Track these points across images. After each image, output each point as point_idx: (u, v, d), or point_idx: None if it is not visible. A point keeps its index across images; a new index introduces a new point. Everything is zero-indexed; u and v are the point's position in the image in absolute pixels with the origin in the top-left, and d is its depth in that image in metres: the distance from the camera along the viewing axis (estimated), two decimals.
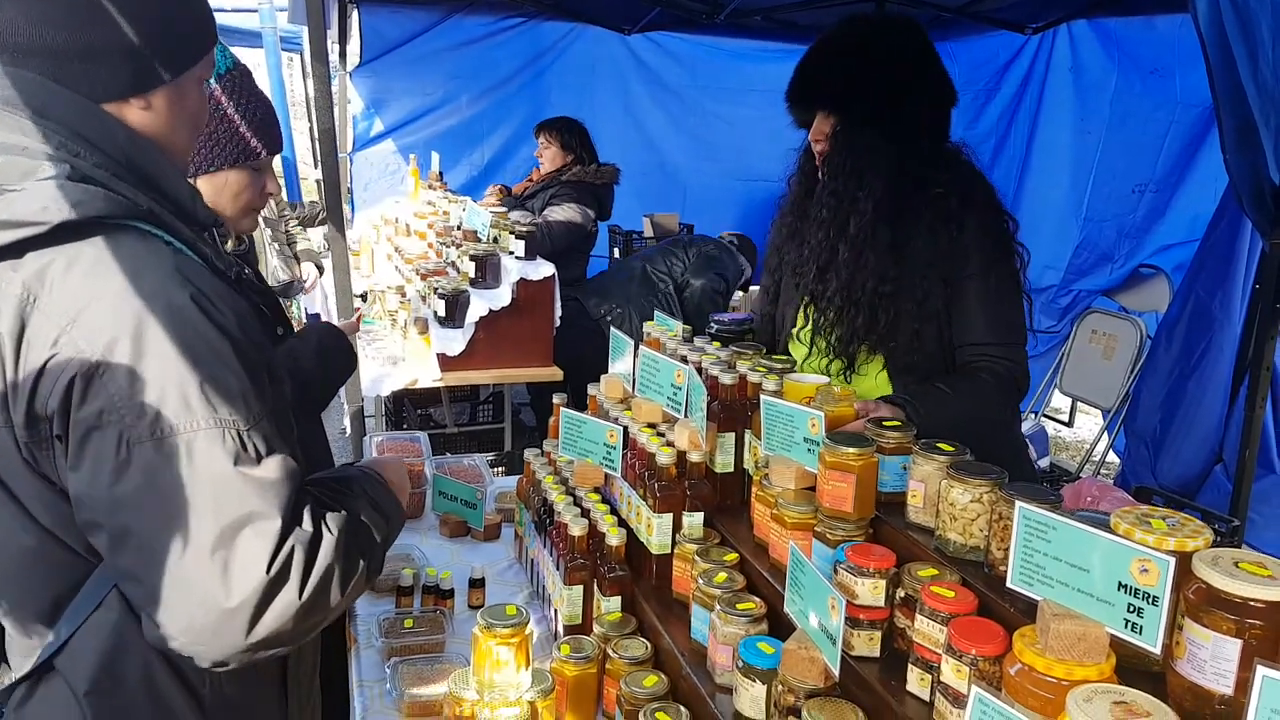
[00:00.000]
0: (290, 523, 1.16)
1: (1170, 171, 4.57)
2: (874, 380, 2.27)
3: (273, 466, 1.18)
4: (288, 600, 1.14)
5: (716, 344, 2.25)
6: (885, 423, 1.68)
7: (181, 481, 1.12)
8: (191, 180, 1.80)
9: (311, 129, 5.48)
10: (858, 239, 2.19)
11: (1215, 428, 3.74)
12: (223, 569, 1.12)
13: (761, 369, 2.00)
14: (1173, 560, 1.08)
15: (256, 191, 2.09)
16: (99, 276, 1.15)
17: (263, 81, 7.47)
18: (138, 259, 1.18)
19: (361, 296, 4.62)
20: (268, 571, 1.13)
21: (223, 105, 2.00)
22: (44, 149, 1.20)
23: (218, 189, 2.03)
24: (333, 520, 1.23)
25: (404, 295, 4.36)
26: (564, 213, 4.83)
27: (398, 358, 4.02)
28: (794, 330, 2.43)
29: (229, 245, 2.19)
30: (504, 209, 4.70)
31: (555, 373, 4.21)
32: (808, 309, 2.34)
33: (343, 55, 6.22)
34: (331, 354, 2.42)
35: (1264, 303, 3.22)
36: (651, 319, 2.46)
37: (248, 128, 2.01)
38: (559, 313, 4.27)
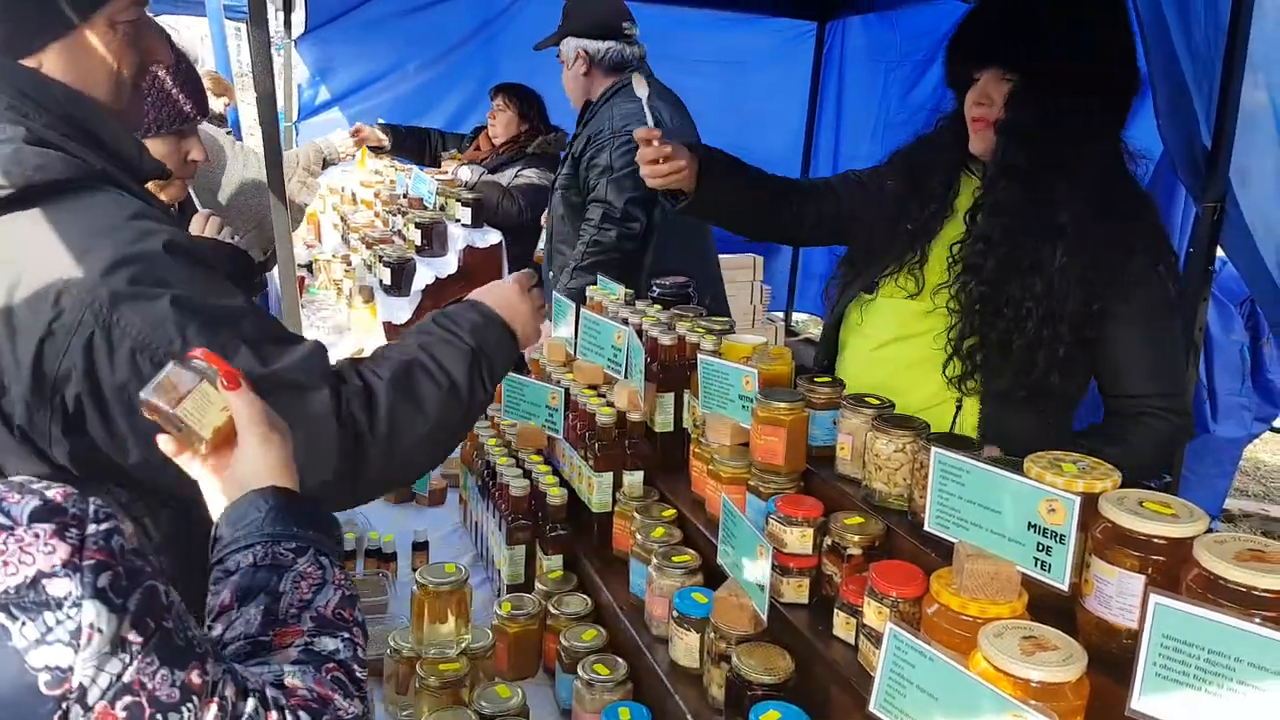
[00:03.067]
0: (334, 381, 1.24)
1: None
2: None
3: (301, 349, 1.24)
4: (365, 446, 1.23)
5: (658, 306, 2.27)
6: (815, 379, 1.71)
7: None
8: None
9: None
10: (1072, 239, 1.79)
11: None
12: (305, 449, 1.14)
13: (700, 330, 2.02)
14: (1078, 499, 1.12)
15: (179, 159, 2.06)
16: (80, 232, 1.15)
17: (207, 52, 7.30)
18: (110, 211, 1.19)
19: (307, 267, 4.57)
20: (339, 426, 1.20)
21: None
22: None
23: None
24: (383, 368, 1.30)
25: (349, 264, 4.32)
26: (526, 177, 4.68)
27: (343, 327, 4.00)
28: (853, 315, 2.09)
29: None
30: (450, 177, 4.65)
31: None
32: (958, 309, 1.89)
33: (288, 23, 6.10)
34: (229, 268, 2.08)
35: (1196, 265, 3.30)
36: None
37: (178, 89, 1.97)
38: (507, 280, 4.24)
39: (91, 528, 0.69)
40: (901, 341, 2.01)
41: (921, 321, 1.98)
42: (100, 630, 0.64)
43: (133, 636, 0.66)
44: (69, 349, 1.13)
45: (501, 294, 1.56)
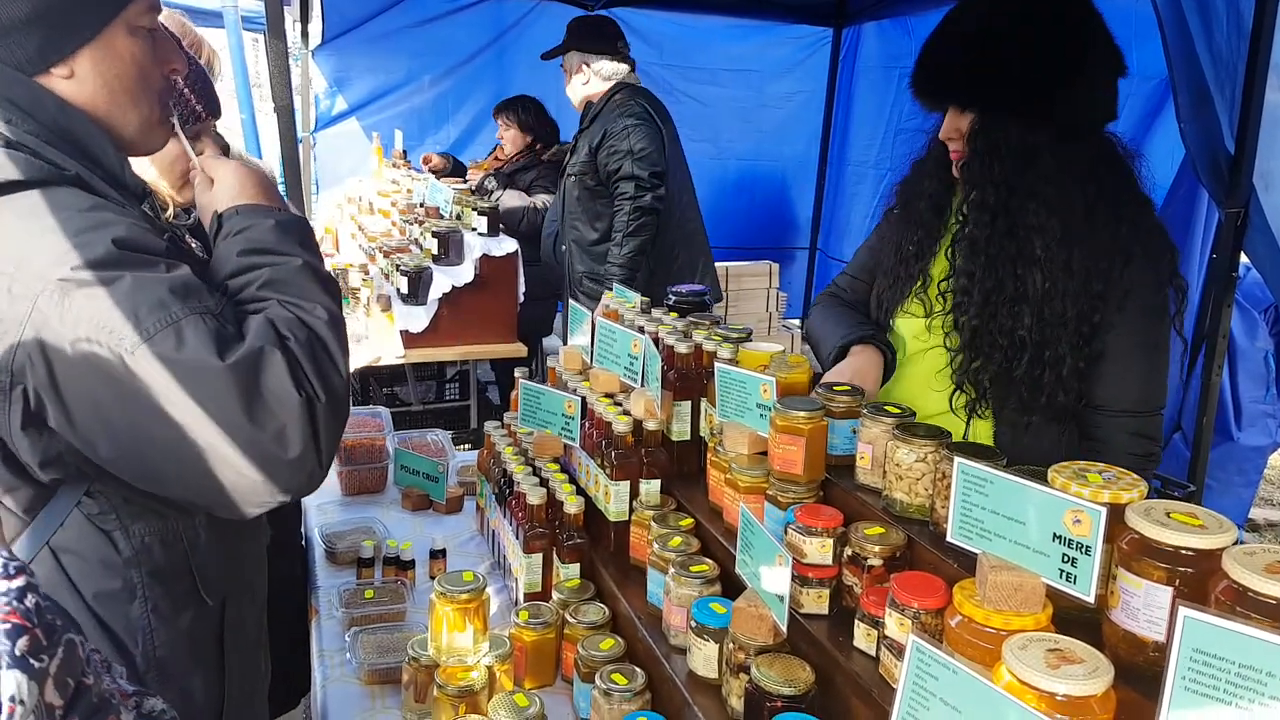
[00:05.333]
0: (282, 347, 1.18)
1: (1128, 144, 4.57)
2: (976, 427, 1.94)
3: (249, 326, 1.19)
4: (320, 407, 1.17)
5: (674, 314, 2.26)
6: (835, 386, 1.70)
7: (186, 369, 1.12)
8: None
9: None
10: (1050, 264, 1.78)
11: (1173, 396, 3.80)
12: (278, 423, 1.14)
13: (717, 338, 2.01)
14: (1104, 510, 1.10)
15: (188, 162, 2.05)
16: (31, 222, 1.14)
17: (225, 63, 7.34)
18: (63, 204, 1.17)
19: None
20: (300, 394, 1.15)
21: None
22: None
23: (147, 160, 1.97)
24: (283, 324, 1.22)
25: (367, 273, 4.34)
26: (548, 195, 4.87)
27: (361, 335, 4.01)
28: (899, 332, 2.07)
29: (168, 215, 2.14)
30: (467, 186, 4.68)
31: (519, 348, 4.21)
32: (959, 347, 1.91)
33: (304, 34, 6.15)
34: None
35: (1220, 271, 3.27)
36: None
37: (189, 89, 1.97)
38: (522, 288, 4.26)
39: (2, 585, 0.63)
40: (911, 360, 2.03)
41: (925, 340, 2.00)
42: (22, 702, 0.59)
43: (55, 699, 0.62)
44: (22, 339, 1.12)
45: (238, 184, 1.39)
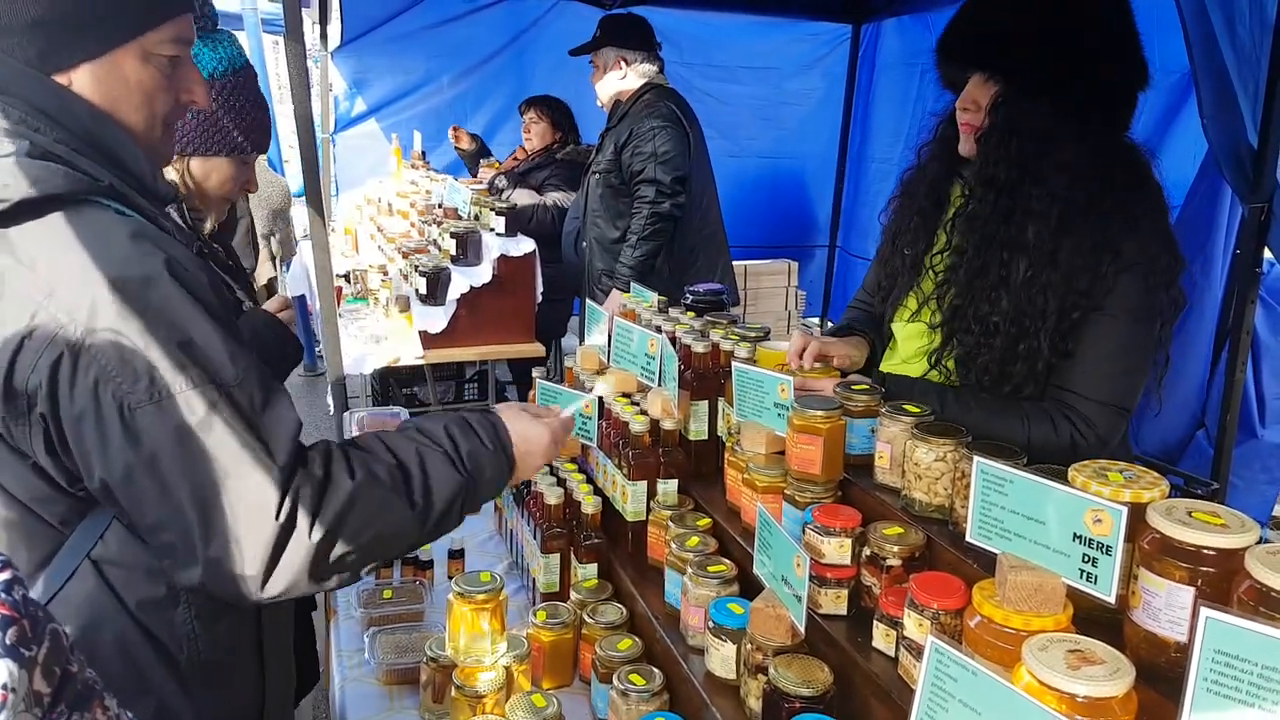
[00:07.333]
0: (293, 466, 1.17)
1: (1149, 139, 4.50)
2: None
3: (269, 418, 1.19)
4: (297, 545, 1.16)
5: (691, 314, 2.26)
6: (854, 386, 1.69)
7: (185, 442, 1.13)
8: (184, 158, 2.02)
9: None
10: (1038, 252, 1.73)
11: (1197, 393, 3.76)
12: (233, 532, 1.14)
13: (734, 337, 2.01)
14: (1125, 510, 1.09)
15: (238, 183, 2.14)
16: (69, 250, 1.14)
17: None
18: (105, 231, 1.17)
19: (345, 277, 4.61)
20: (276, 518, 1.14)
21: (213, 104, 2.01)
22: (2, 124, 1.19)
23: (206, 172, 2.10)
24: (359, 464, 1.22)
25: (386, 274, 4.36)
26: (566, 197, 4.88)
27: (380, 336, 4.03)
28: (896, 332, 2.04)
29: (207, 226, 2.21)
30: (484, 186, 4.69)
31: (537, 348, 4.21)
32: (939, 324, 1.89)
33: (324, 36, 6.18)
34: (265, 341, 2.16)
35: (1244, 267, 3.23)
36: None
37: (235, 125, 2.04)
38: (540, 289, 4.27)
39: None
40: (908, 363, 1.99)
41: (920, 340, 1.96)
42: (14, 690, 0.61)
43: (43, 687, 0.65)
44: (37, 366, 1.12)
45: (531, 431, 1.45)
